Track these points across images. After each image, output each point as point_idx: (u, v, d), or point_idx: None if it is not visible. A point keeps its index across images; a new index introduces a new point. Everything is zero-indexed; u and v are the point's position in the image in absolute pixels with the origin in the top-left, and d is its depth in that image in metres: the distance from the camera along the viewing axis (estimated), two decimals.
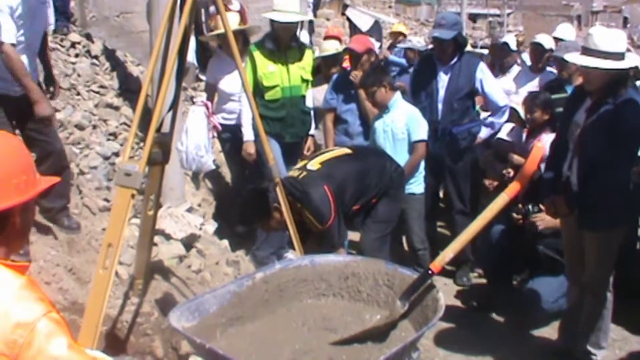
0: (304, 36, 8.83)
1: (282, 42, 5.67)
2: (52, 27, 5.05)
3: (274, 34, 5.66)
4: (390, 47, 10.69)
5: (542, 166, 4.84)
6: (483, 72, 5.76)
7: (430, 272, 3.05)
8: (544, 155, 3.08)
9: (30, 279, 1.80)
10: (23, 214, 1.85)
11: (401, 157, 5.39)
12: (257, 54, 5.65)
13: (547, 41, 6.80)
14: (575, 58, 4.12)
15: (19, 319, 1.67)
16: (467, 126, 5.77)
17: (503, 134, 5.84)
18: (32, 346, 1.66)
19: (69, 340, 1.74)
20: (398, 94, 5.54)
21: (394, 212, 4.94)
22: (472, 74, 5.66)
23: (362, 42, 6.48)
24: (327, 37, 7.06)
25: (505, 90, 6.75)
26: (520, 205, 5.04)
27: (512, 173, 5.38)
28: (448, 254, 3.14)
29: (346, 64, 6.79)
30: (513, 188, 3.15)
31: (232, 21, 5.89)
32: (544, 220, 4.86)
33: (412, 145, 5.46)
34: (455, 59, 5.68)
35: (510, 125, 5.91)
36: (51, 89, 5.14)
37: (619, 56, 3.93)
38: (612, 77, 3.98)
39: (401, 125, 5.44)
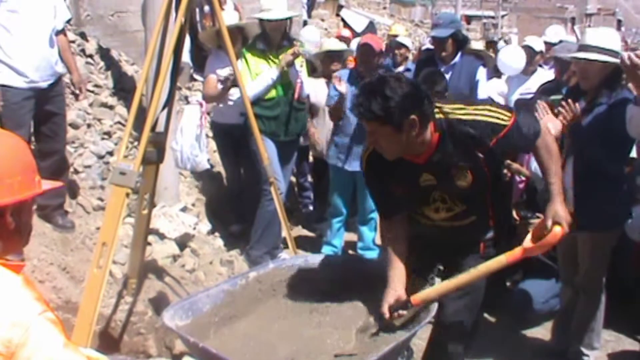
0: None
1: (274, 42, 5.66)
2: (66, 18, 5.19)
3: (264, 35, 5.66)
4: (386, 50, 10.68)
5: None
6: (481, 74, 5.81)
7: (409, 303, 2.98)
8: (563, 236, 3.01)
9: (27, 278, 1.80)
10: (16, 214, 1.83)
11: None
12: (249, 56, 5.64)
13: (537, 43, 6.87)
14: (578, 53, 4.15)
15: (15, 318, 1.68)
16: None
17: None
18: (28, 345, 1.67)
19: (64, 340, 1.74)
20: None
21: None
22: (473, 75, 5.69)
23: (377, 40, 6.48)
24: (338, 37, 7.05)
25: (499, 92, 6.80)
26: (515, 212, 5.05)
27: (509, 175, 5.38)
28: (432, 294, 3.03)
29: (350, 64, 6.81)
30: (514, 254, 3.04)
31: (232, 19, 5.89)
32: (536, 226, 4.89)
33: None
34: (456, 59, 5.71)
35: None
36: (76, 91, 5.32)
37: (615, 53, 3.97)
38: (608, 75, 4.00)
39: None
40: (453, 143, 2.98)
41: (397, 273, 3.09)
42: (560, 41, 6.76)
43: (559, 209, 3.04)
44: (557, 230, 3.00)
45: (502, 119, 2.98)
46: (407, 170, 3.07)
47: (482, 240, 3.32)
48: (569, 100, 4.11)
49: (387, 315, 2.96)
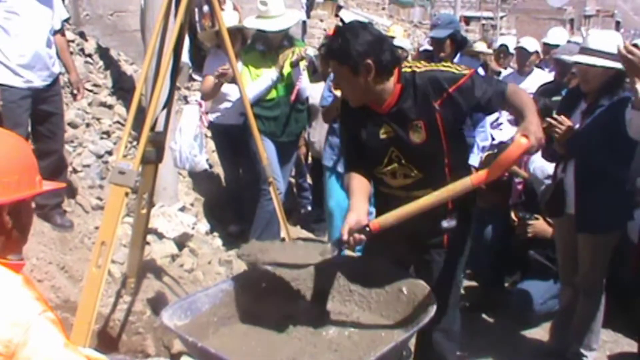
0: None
1: (274, 43, 5.64)
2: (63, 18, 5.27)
3: (264, 37, 5.62)
4: None
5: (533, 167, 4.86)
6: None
7: (367, 228, 2.97)
8: (527, 149, 2.86)
9: (27, 277, 1.80)
10: (14, 213, 1.83)
11: None
12: (248, 57, 5.63)
13: (531, 44, 6.90)
14: (577, 57, 4.15)
15: (15, 318, 1.68)
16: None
17: (505, 138, 5.88)
18: (28, 345, 1.67)
19: (64, 340, 1.74)
20: None
21: None
22: None
23: None
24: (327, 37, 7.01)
25: None
26: (513, 213, 5.05)
27: (507, 176, 5.39)
28: (390, 219, 3.00)
29: None
30: (479, 176, 2.95)
31: (232, 19, 5.86)
32: (535, 227, 4.89)
33: None
34: (456, 59, 5.71)
35: (513, 130, 5.96)
36: (74, 91, 5.33)
37: (616, 57, 3.96)
38: (609, 78, 4.01)
39: None
40: (414, 94, 3.09)
41: (360, 199, 3.12)
42: (568, 41, 6.78)
43: (531, 124, 2.87)
44: (522, 141, 2.82)
45: (461, 71, 3.11)
46: (371, 119, 3.19)
47: (444, 229, 3.31)
48: (562, 117, 4.10)
49: (345, 236, 2.93)
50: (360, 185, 3.21)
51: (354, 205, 3.08)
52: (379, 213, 3.32)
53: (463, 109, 3.10)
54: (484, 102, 3.06)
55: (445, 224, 3.30)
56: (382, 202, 3.36)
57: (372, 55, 2.96)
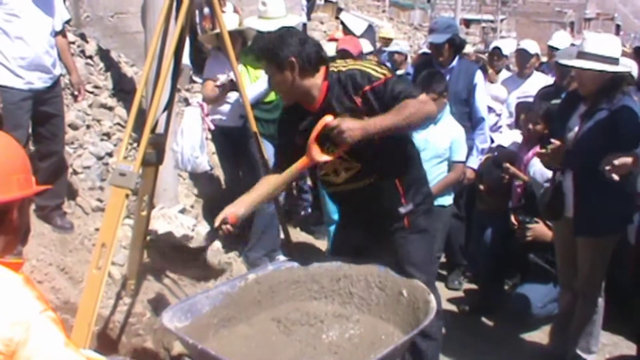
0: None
1: None
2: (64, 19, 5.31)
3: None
4: (378, 52, 10.71)
5: None
6: (479, 78, 5.83)
7: (227, 219, 3.24)
8: (327, 124, 3.08)
9: (27, 277, 1.81)
10: (20, 211, 1.86)
11: (434, 171, 5.17)
12: (247, 59, 5.63)
13: (531, 47, 6.91)
14: (569, 60, 4.16)
15: (16, 317, 1.68)
16: None
17: (504, 142, 5.88)
18: (29, 344, 1.67)
19: (65, 339, 1.75)
20: (447, 107, 5.35)
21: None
22: (470, 79, 5.71)
23: (355, 44, 6.47)
24: (330, 40, 7.03)
25: (494, 96, 6.82)
26: (513, 217, 5.06)
27: (507, 178, 5.41)
28: (242, 209, 3.31)
29: None
30: (303, 161, 3.25)
31: (232, 22, 5.86)
32: (534, 231, 4.90)
33: (451, 165, 5.39)
34: (454, 62, 5.72)
35: (512, 134, 5.97)
36: (75, 92, 5.34)
37: (613, 60, 3.97)
38: (606, 81, 4.01)
39: (445, 145, 5.32)
40: (337, 90, 3.33)
41: (248, 195, 3.42)
42: (572, 44, 6.79)
43: (354, 121, 3.13)
44: (326, 118, 3.12)
45: (379, 72, 3.32)
46: (305, 119, 3.40)
47: (403, 215, 3.49)
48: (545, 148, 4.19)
49: (216, 224, 3.27)
50: (261, 187, 3.47)
51: (239, 199, 3.39)
52: (342, 214, 3.85)
53: (375, 108, 3.25)
54: (391, 103, 3.23)
55: (402, 210, 3.48)
56: (338, 203, 3.80)
57: (295, 53, 3.26)
